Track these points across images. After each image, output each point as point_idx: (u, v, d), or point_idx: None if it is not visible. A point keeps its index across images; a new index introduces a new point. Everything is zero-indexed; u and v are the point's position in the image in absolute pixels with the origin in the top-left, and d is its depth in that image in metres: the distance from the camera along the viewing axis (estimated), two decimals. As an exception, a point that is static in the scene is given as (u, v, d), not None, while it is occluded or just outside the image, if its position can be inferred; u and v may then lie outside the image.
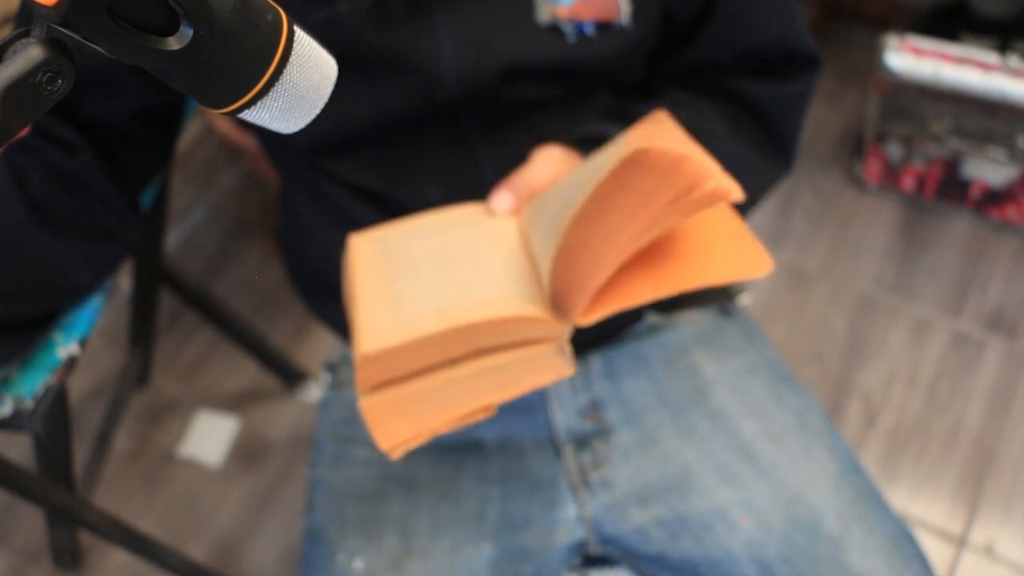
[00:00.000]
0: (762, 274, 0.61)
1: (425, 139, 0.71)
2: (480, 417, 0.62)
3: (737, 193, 0.55)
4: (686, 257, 0.61)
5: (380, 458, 0.78)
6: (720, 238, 0.63)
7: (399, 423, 0.61)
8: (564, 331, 0.61)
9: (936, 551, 1.28)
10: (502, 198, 0.69)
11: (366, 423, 0.61)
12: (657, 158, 0.54)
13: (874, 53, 1.52)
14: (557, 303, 0.59)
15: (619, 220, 0.56)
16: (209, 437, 1.45)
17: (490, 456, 0.78)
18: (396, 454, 0.61)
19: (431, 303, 0.61)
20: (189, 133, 1.74)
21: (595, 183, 0.55)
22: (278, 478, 1.41)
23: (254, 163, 1.60)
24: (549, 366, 0.62)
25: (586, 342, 0.79)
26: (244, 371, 1.52)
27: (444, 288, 0.63)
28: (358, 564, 0.72)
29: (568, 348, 0.62)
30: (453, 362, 0.61)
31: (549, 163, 0.69)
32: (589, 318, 0.58)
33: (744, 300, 0.87)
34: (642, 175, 0.55)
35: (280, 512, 1.38)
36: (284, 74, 0.41)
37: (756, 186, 0.74)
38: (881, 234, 1.63)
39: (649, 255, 0.60)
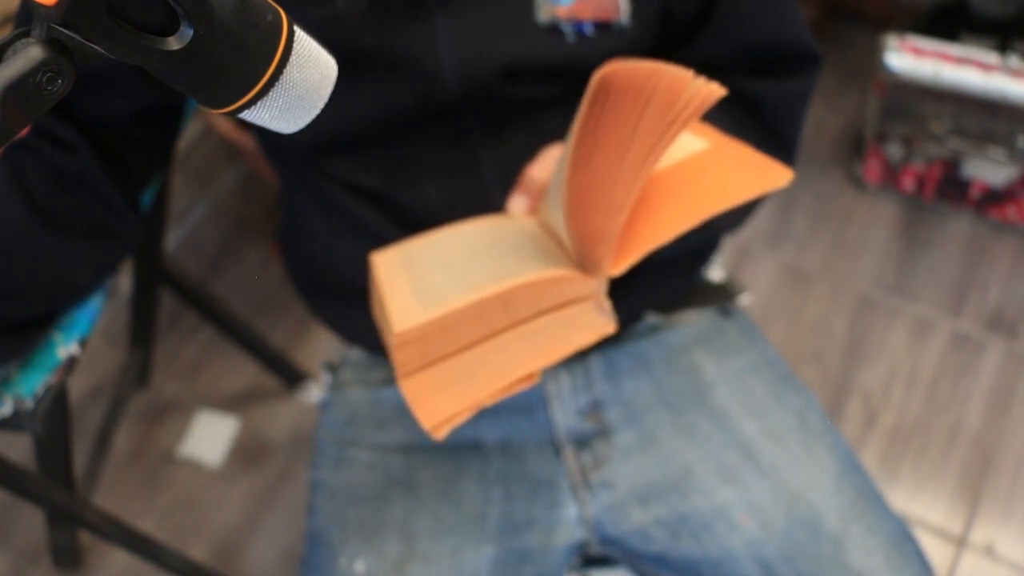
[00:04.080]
0: (784, 183, 0.58)
1: (425, 139, 0.71)
2: (523, 386, 0.59)
3: (720, 90, 0.52)
4: (704, 186, 0.59)
5: (381, 460, 0.78)
6: (733, 163, 0.61)
7: (441, 399, 0.58)
8: (599, 287, 0.59)
9: (936, 551, 1.28)
10: (517, 200, 0.69)
11: (407, 403, 0.58)
12: (626, 79, 0.52)
13: (874, 53, 1.52)
14: (584, 260, 0.57)
15: (613, 155, 0.53)
16: (209, 437, 1.45)
17: (491, 457, 0.78)
18: (440, 433, 0.58)
19: (461, 284, 0.60)
20: (189, 133, 1.74)
21: (576, 127, 0.54)
22: (278, 478, 1.41)
23: (254, 163, 1.60)
24: (589, 324, 0.60)
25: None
26: (244, 371, 1.52)
27: (472, 273, 0.61)
28: (359, 567, 0.72)
29: (607, 304, 0.60)
30: (491, 336, 0.59)
31: (555, 158, 0.69)
32: (620, 266, 0.56)
33: (744, 300, 0.87)
34: (617, 101, 0.52)
35: (280, 512, 1.38)
36: (284, 74, 0.41)
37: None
38: (881, 234, 1.63)
39: (666, 193, 0.58)
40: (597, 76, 0.52)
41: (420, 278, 0.63)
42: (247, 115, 0.42)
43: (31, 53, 0.37)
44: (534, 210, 0.69)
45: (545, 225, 0.65)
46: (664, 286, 0.81)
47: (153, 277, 1.22)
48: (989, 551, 1.28)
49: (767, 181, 0.59)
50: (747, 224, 0.78)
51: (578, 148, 0.54)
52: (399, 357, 0.58)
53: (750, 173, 0.61)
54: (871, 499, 0.73)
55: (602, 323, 0.60)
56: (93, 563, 1.32)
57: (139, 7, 0.37)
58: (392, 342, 0.58)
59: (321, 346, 1.54)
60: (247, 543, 1.35)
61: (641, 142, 0.53)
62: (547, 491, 0.76)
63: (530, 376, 0.60)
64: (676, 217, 0.58)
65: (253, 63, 0.40)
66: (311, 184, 0.76)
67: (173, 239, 1.69)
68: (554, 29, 0.67)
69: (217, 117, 1.52)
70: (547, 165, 0.69)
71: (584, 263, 0.58)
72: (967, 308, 1.53)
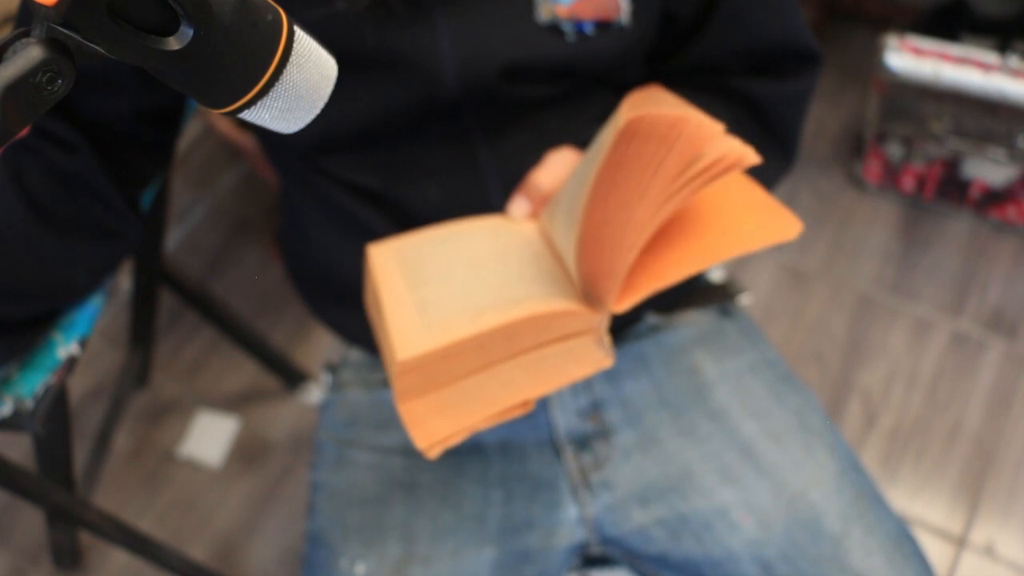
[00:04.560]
0: (792, 237, 0.59)
1: (425, 138, 0.71)
2: (518, 413, 0.60)
3: (753, 157, 0.53)
4: (714, 230, 0.60)
5: (381, 461, 0.78)
6: (744, 207, 0.62)
7: (437, 421, 0.59)
8: (601, 321, 0.59)
9: (936, 551, 1.28)
10: (519, 204, 0.69)
11: (404, 423, 0.59)
12: (652, 124, 0.52)
13: (874, 53, 1.52)
14: (589, 294, 0.58)
15: (631, 197, 0.54)
16: (209, 437, 1.45)
17: (491, 458, 0.78)
18: (433, 453, 0.58)
19: (463, 306, 0.60)
20: (189, 133, 1.74)
21: (597, 164, 0.54)
22: (278, 478, 1.41)
23: (254, 163, 1.60)
24: (587, 358, 0.61)
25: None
26: (244, 371, 1.52)
27: (474, 291, 0.61)
28: (360, 569, 0.72)
29: (607, 339, 0.60)
30: (491, 364, 0.60)
31: (561, 165, 0.69)
32: (624, 304, 0.57)
33: (744, 300, 0.87)
34: (640, 145, 0.53)
35: (280, 512, 1.38)
36: (284, 74, 0.41)
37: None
38: (881, 234, 1.63)
39: (675, 233, 0.59)
40: (623, 119, 0.52)
41: (419, 286, 0.63)
42: (247, 115, 0.42)
43: (31, 53, 0.37)
44: (535, 215, 0.69)
45: (547, 236, 0.65)
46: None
47: (153, 277, 1.22)
48: (989, 551, 1.28)
49: (777, 233, 0.60)
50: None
51: (597, 186, 0.54)
52: (400, 383, 0.59)
53: (762, 222, 0.61)
54: (871, 499, 0.73)
55: (600, 357, 0.61)
56: (93, 563, 1.32)
57: (139, 7, 0.37)
58: (393, 369, 0.58)
59: (321, 346, 1.54)
60: (247, 543, 1.35)
61: (659, 187, 0.54)
62: (547, 492, 0.76)
63: (525, 404, 0.60)
64: (684, 261, 0.58)
65: (253, 63, 0.40)
66: (311, 184, 0.76)
67: (173, 239, 1.69)
68: (554, 28, 0.67)
69: (217, 117, 1.51)
70: (552, 171, 0.69)
71: (588, 296, 0.58)
72: (967, 308, 1.53)
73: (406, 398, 0.59)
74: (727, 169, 0.53)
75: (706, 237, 0.60)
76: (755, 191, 0.63)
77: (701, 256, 0.58)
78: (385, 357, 0.63)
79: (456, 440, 0.59)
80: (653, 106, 0.55)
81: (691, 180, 0.53)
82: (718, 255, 0.58)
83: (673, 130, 0.53)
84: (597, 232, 0.55)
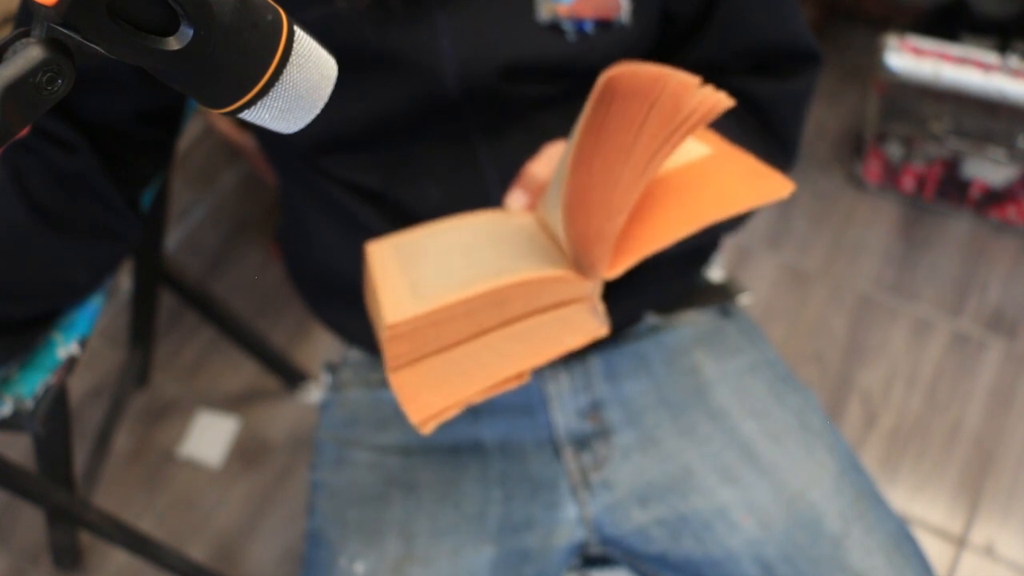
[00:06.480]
0: (785, 194, 0.58)
1: (425, 138, 0.71)
2: (513, 385, 0.60)
3: (727, 101, 0.52)
4: (705, 193, 0.59)
5: (381, 460, 0.78)
6: (734, 171, 0.62)
7: (431, 394, 0.58)
8: (594, 288, 0.59)
9: (936, 551, 1.28)
10: (516, 196, 0.69)
11: (396, 396, 0.58)
12: (632, 82, 0.52)
13: (874, 53, 1.52)
14: (580, 261, 0.57)
15: (615, 158, 0.54)
16: (209, 437, 1.45)
17: (491, 457, 0.78)
18: (428, 428, 0.58)
19: (455, 280, 0.59)
20: (189, 133, 1.74)
21: (579, 126, 0.53)
22: (278, 478, 1.41)
23: (254, 163, 1.60)
24: (582, 326, 0.60)
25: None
26: (244, 371, 1.52)
27: (467, 269, 0.61)
28: (359, 567, 0.72)
29: (601, 307, 0.60)
30: (483, 332, 0.59)
31: (557, 157, 0.69)
32: (616, 269, 0.56)
33: (744, 300, 0.87)
34: (623, 104, 0.53)
35: (280, 512, 1.38)
36: (284, 74, 0.41)
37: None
38: (881, 234, 1.63)
39: (666, 198, 0.59)
40: (602, 78, 0.52)
41: (414, 270, 0.63)
42: (247, 115, 0.42)
43: (31, 53, 0.37)
44: (533, 207, 0.69)
45: (543, 223, 0.65)
46: (664, 286, 0.81)
47: (153, 277, 1.22)
48: (989, 551, 1.28)
49: (768, 192, 0.59)
50: (747, 224, 0.78)
51: (580, 149, 0.54)
52: (390, 350, 0.58)
53: (751, 183, 0.61)
54: (871, 499, 0.73)
55: (595, 326, 0.60)
56: (93, 563, 1.32)
57: (139, 7, 0.37)
58: (383, 335, 0.58)
59: (321, 346, 1.54)
60: (247, 543, 1.35)
61: (644, 146, 0.53)
62: (547, 491, 0.76)
63: (520, 375, 0.60)
64: (675, 223, 0.58)
65: (253, 63, 0.40)
66: (311, 184, 0.76)
67: (173, 239, 1.69)
68: (555, 28, 0.67)
69: (217, 117, 1.52)
70: (548, 162, 0.68)
71: (580, 264, 0.58)
72: (967, 308, 1.53)
73: (397, 367, 0.59)
74: (703, 118, 0.52)
75: (697, 200, 0.59)
76: (745, 158, 0.63)
77: (692, 217, 0.58)
78: (379, 336, 0.63)
79: (450, 414, 0.58)
80: (630, 68, 0.55)
81: (672, 134, 0.52)
82: (709, 216, 0.58)
83: (656, 85, 0.52)
84: (584, 197, 0.55)
